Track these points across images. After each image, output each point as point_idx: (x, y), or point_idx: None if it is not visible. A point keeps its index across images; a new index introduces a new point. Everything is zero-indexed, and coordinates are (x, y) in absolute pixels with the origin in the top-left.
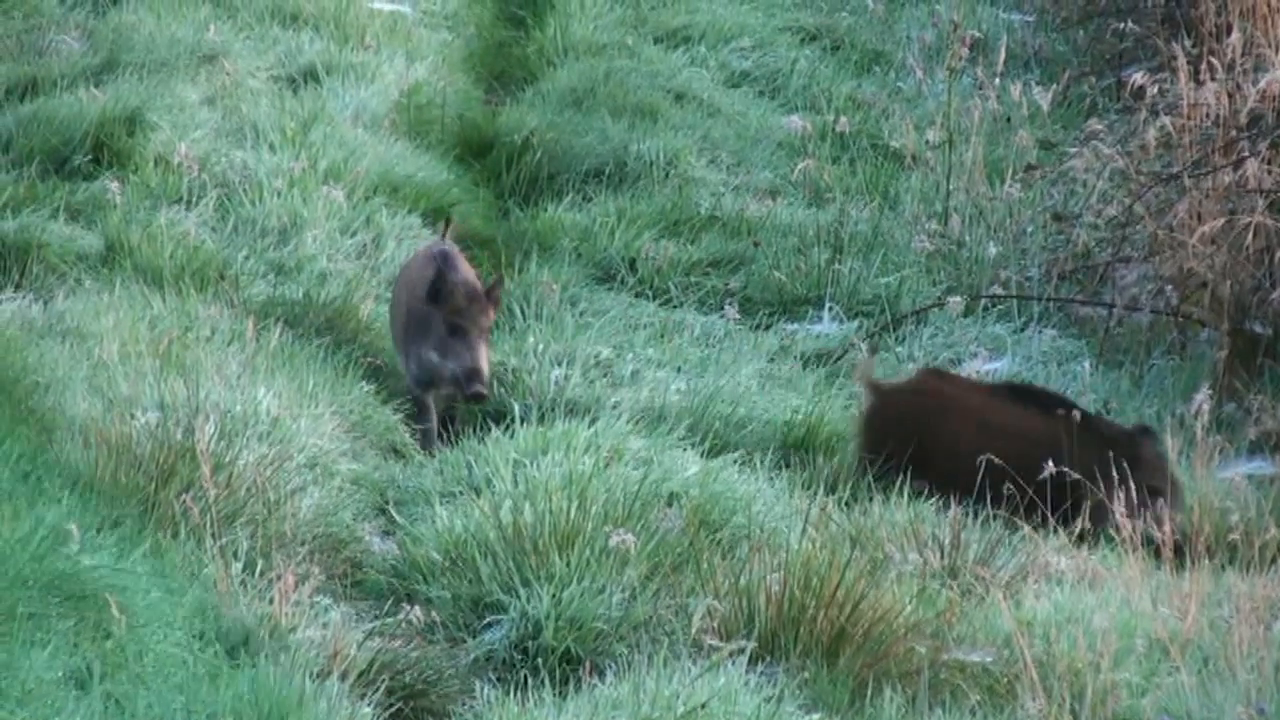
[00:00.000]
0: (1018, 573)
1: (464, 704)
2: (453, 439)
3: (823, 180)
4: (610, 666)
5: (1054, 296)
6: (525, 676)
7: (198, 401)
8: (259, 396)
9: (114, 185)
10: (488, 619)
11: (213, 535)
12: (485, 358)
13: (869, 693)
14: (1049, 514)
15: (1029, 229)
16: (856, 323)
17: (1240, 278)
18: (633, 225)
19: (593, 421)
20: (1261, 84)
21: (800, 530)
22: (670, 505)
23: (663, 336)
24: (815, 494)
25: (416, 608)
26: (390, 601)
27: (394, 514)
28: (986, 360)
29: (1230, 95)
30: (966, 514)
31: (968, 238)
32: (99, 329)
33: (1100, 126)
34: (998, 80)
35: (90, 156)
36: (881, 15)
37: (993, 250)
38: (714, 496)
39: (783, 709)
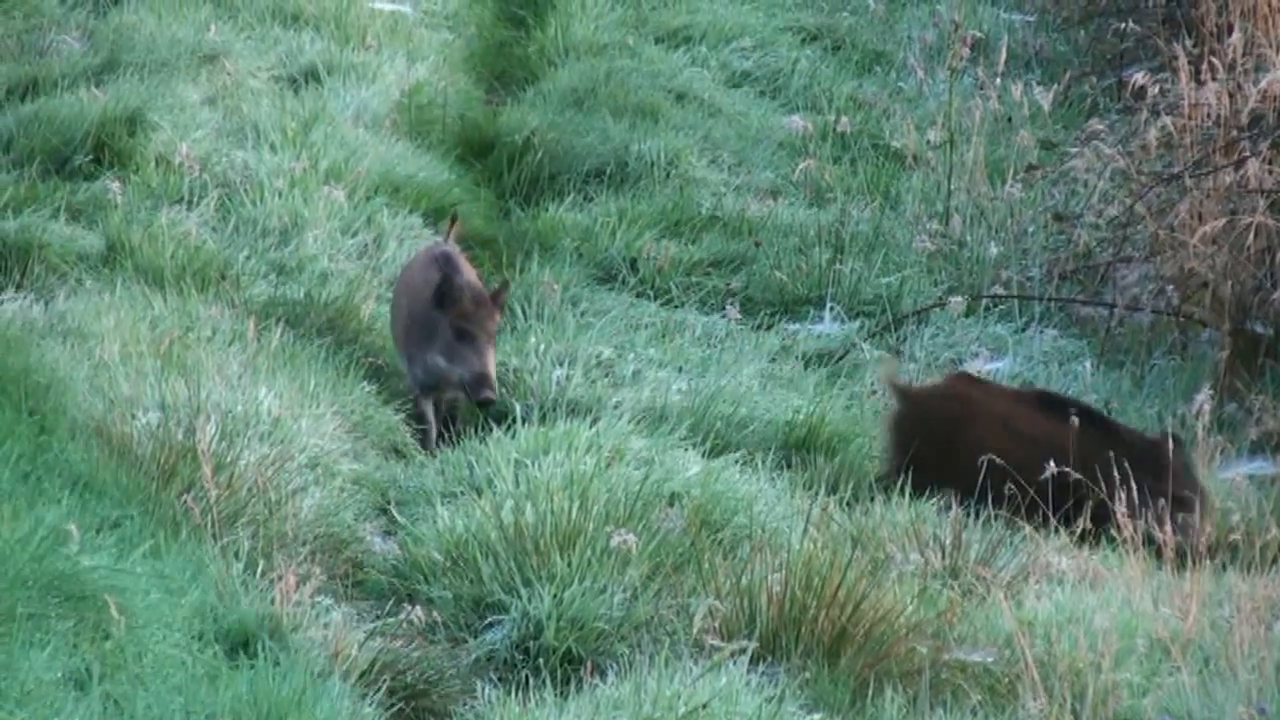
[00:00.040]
0: (1019, 573)
1: (465, 704)
2: (454, 439)
3: (824, 180)
4: (612, 666)
5: (1055, 296)
6: (526, 676)
7: (199, 402)
8: (260, 396)
9: (115, 185)
10: (489, 619)
11: (214, 535)
12: (493, 363)
13: (870, 693)
14: (1081, 523)
15: (1030, 229)
16: (858, 323)
17: (1241, 278)
18: (634, 225)
19: (594, 422)
20: (1262, 84)
21: (802, 530)
22: (672, 505)
23: (664, 336)
24: (816, 494)
25: (418, 608)
26: (391, 601)
27: (395, 514)
28: (987, 360)
29: (1231, 95)
30: (968, 514)
31: (969, 238)
32: (100, 329)
33: (1101, 126)
34: (999, 80)
35: (91, 156)
36: (882, 15)
37: (994, 250)
38: (715, 496)
39: (784, 709)
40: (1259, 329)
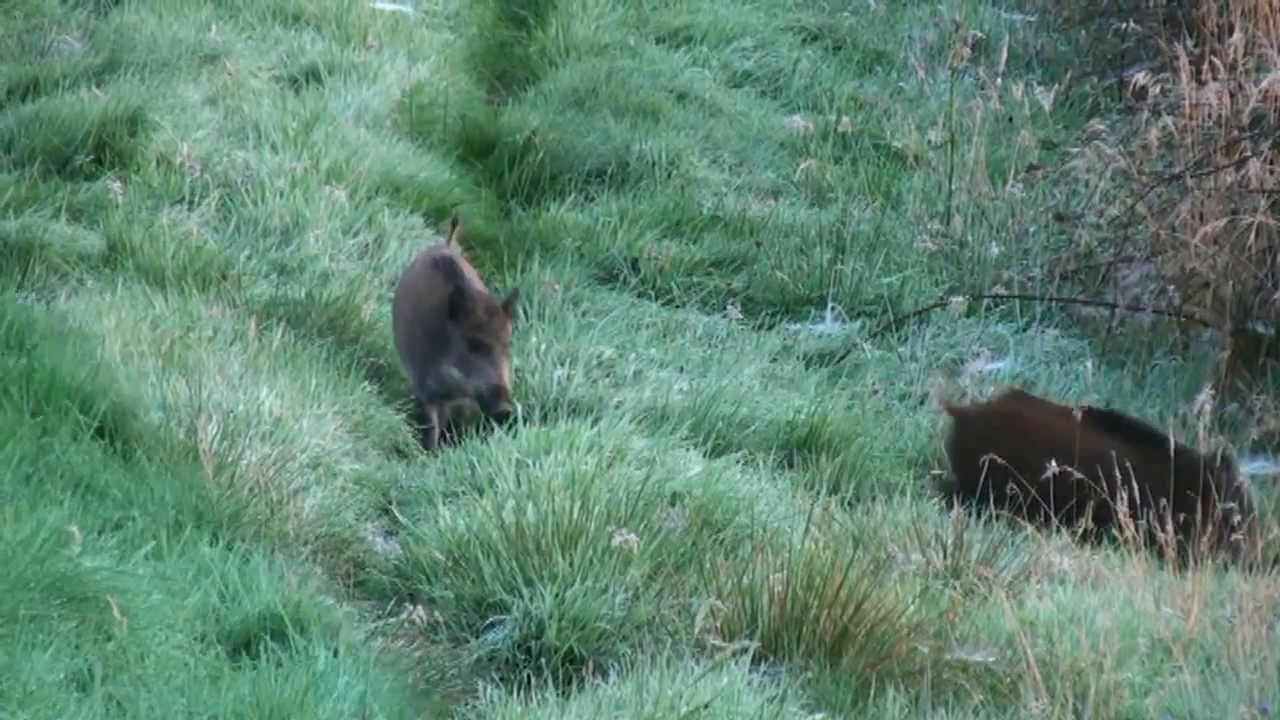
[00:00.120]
0: (1020, 573)
1: (467, 704)
2: (455, 439)
3: (825, 180)
4: (613, 666)
5: (1056, 296)
6: (528, 676)
7: (200, 402)
8: (261, 396)
9: (116, 185)
10: (490, 619)
11: (215, 536)
12: (509, 373)
13: (872, 693)
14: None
15: (1031, 229)
16: (859, 323)
17: (1242, 278)
18: (635, 225)
19: (595, 421)
20: (1264, 84)
21: (803, 530)
22: (673, 505)
23: (665, 336)
24: (818, 494)
25: (419, 608)
26: (393, 601)
27: (397, 514)
28: (989, 360)
29: (1232, 95)
30: (969, 514)
31: (970, 238)
32: (101, 329)
33: (1102, 126)
34: (1000, 80)
35: (92, 156)
36: (883, 15)
37: (995, 250)
38: (717, 496)
39: (786, 709)
40: (1260, 329)
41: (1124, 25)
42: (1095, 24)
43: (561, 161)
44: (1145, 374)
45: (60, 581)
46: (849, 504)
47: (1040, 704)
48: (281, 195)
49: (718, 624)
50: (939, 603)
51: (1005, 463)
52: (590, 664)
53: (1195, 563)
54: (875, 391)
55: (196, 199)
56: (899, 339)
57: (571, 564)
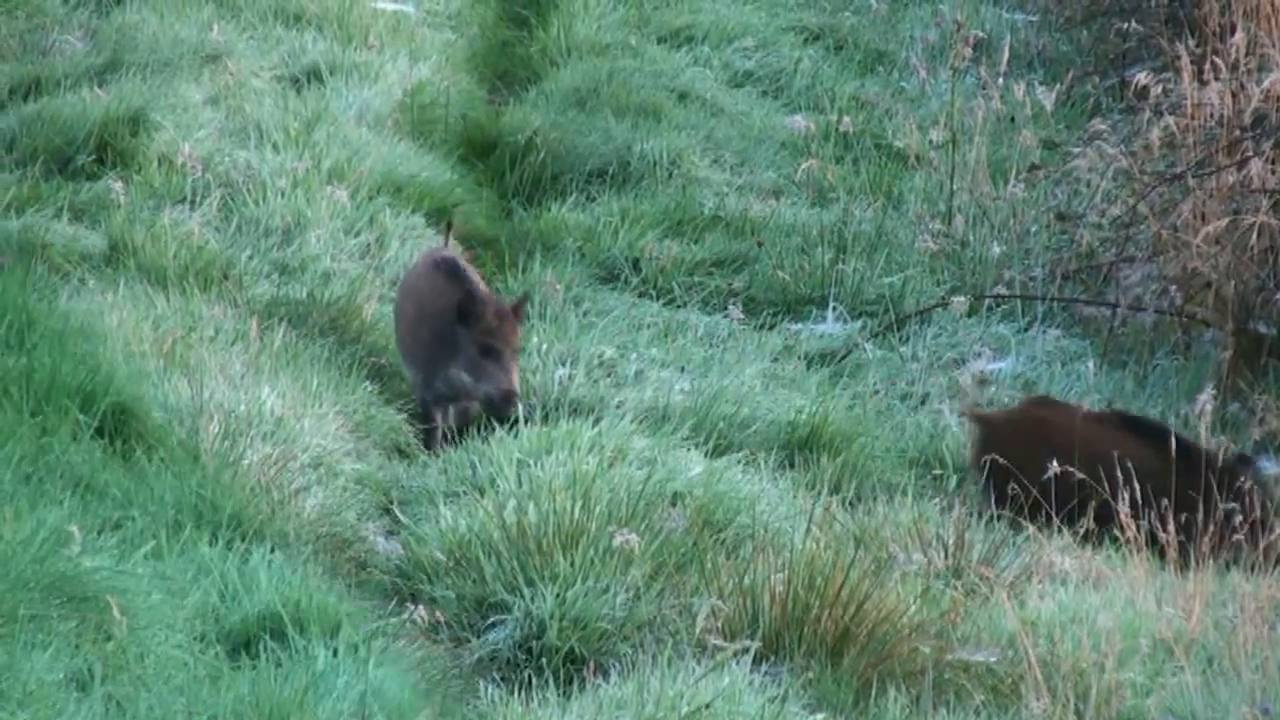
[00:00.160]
0: (1022, 573)
1: (468, 704)
2: (457, 439)
3: (826, 180)
4: (614, 666)
5: (1058, 296)
6: (529, 676)
7: (201, 401)
8: (263, 396)
9: (118, 185)
10: (492, 619)
11: (215, 535)
12: (518, 378)
13: (873, 693)
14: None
15: (1033, 229)
16: (860, 322)
17: (1244, 278)
18: (636, 225)
19: (597, 421)
20: (1265, 84)
21: (804, 530)
22: (674, 505)
23: (666, 336)
24: (819, 494)
25: (421, 607)
26: (394, 601)
27: (398, 514)
28: (990, 360)
29: (1234, 95)
30: (970, 514)
31: (971, 237)
32: (102, 329)
33: (1104, 126)
34: (1001, 80)
35: (94, 156)
36: (885, 15)
37: (996, 250)
38: (718, 496)
39: (787, 709)
40: (1262, 329)
41: (1126, 25)
42: (1097, 24)
43: (563, 161)
44: (1147, 374)
45: (60, 581)
46: (850, 504)
47: (1042, 704)
48: (283, 195)
49: (719, 624)
50: (940, 603)
51: (1031, 469)
52: (591, 664)
53: (1197, 563)
54: (877, 391)
55: (198, 199)
56: (900, 339)
57: (573, 564)
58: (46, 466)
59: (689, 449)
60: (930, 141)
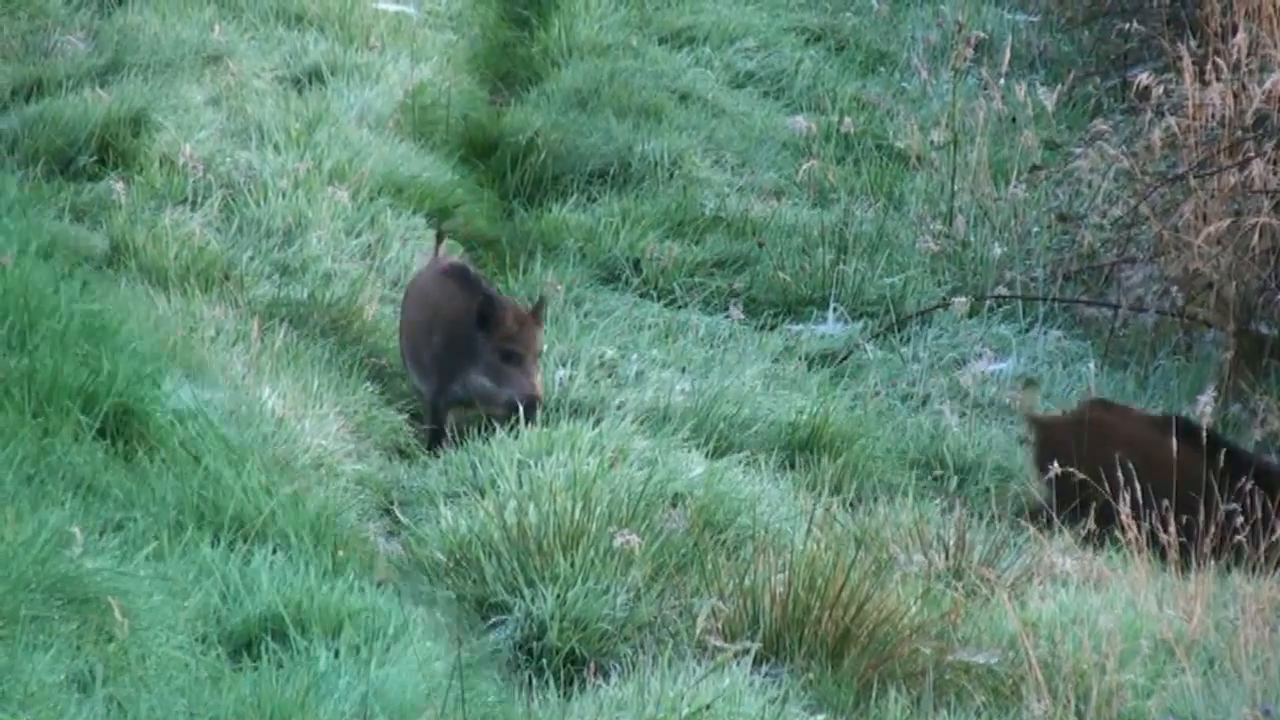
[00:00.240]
0: (1023, 574)
1: (469, 705)
2: (457, 440)
3: (827, 181)
4: (615, 667)
5: (1059, 297)
6: (530, 677)
7: (202, 402)
8: (264, 397)
9: (119, 186)
10: (492, 619)
11: (217, 536)
12: (541, 382)
13: (874, 694)
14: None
15: (1034, 229)
16: (861, 323)
17: (1246, 278)
18: (637, 226)
19: (597, 422)
20: (1267, 84)
21: (805, 531)
22: (675, 506)
23: (667, 337)
24: (820, 495)
25: (421, 608)
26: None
27: (399, 514)
28: (991, 361)
29: (1236, 96)
30: (971, 515)
31: (973, 238)
32: (104, 330)
33: (1105, 127)
34: (1002, 81)
35: (95, 157)
36: (886, 16)
37: (998, 251)
38: (719, 497)
39: (787, 710)
40: (1264, 330)
41: (1127, 26)
42: (1098, 24)
43: (564, 162)
44: (1148, 375)
45: (61, 582)
46: (851, 505)
47: (1042, 705)
48: (284, 196)
49: (719, 625)
50: (941, 604)
51: (1090, 472)
52: (592, 665)
53: (1198, 564)
54: (877, 392)
55: (199, 199)
56: (901, 340)
57: (573, 565)
58: (48, 467)
59: (690, 450)
60: (931, 142)
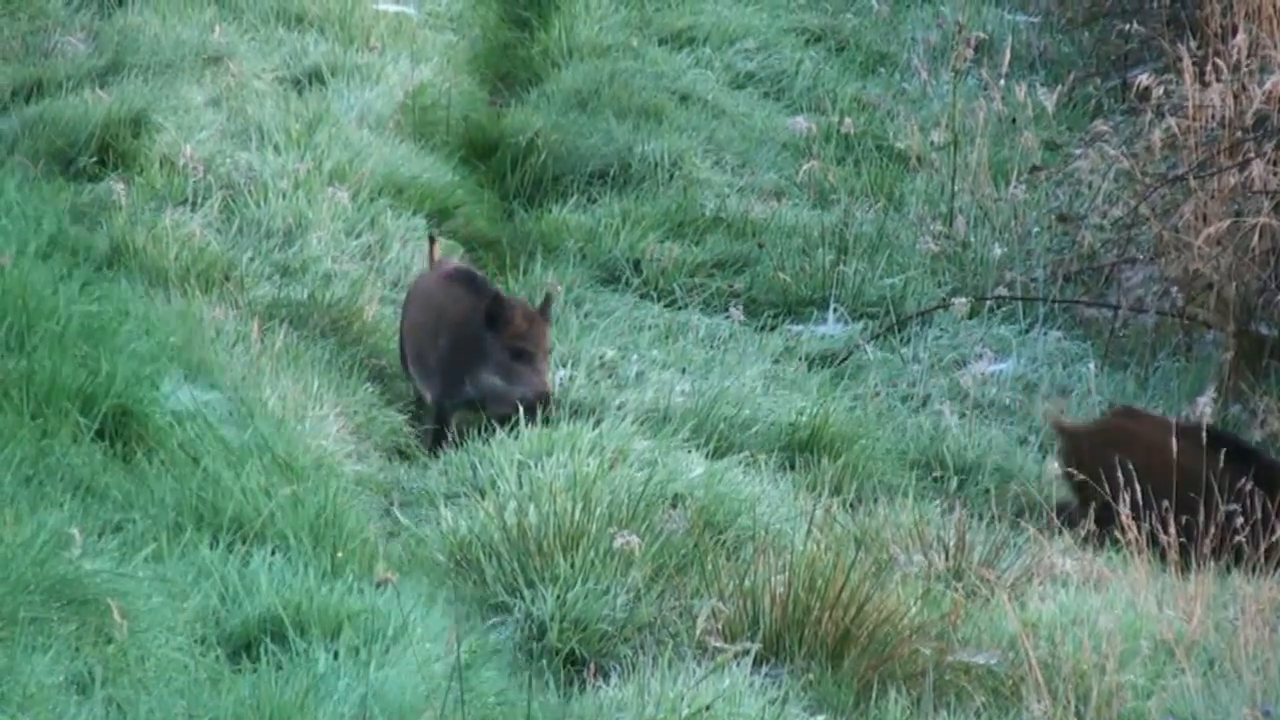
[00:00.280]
0: (1023, 574)
1: (469, 706)
2: (456, 441)
3: (827, 181)
4: (615, 668)
5: (1059, 298)
6: (529, 678)
7: (202, 403)
8: (263, 398)
9: (119, 186)
10: (492, 620)
11: (216, 538)
12: (550, 379)
13: (874, 694)
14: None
15: (1034, 230)
16: (861, 324)
17: (1246, 279)
18: (637, 226)
19: (597, 423)
20: (1267, 85)
21: (805, 532)
22: (675, 507)
23: (667, 338)
24: (820, 495)
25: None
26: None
27: (399, 515)
28: (991, 362)
29: (1236, 96)
30: (971, 515)
31: (973, 239)
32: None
33: (1105, 128)
34: (1003, 81)
35: (95, 158)
36: (886, 16)
37: (998, 251)
38: (719, 498)
39: (787, 710)
40: (1264, 330)
41: (1127, 26)
42: (1098, 25)
43: (564, 163)
44: (1148, 376)
45: (60, 584)
46: (851, 505)
47: (1042, 706)
48: (284, 196)
49: (719, 626)
50: (941, 604)
51: (1118, 479)
52: (592, 665)
53: (1198, 564)
54: (877, 393)
55: (199, 200)
56: (901, 340)
57: (573, 565)
58: (47, 469)
59: (690, 450)
60: (932, 143)
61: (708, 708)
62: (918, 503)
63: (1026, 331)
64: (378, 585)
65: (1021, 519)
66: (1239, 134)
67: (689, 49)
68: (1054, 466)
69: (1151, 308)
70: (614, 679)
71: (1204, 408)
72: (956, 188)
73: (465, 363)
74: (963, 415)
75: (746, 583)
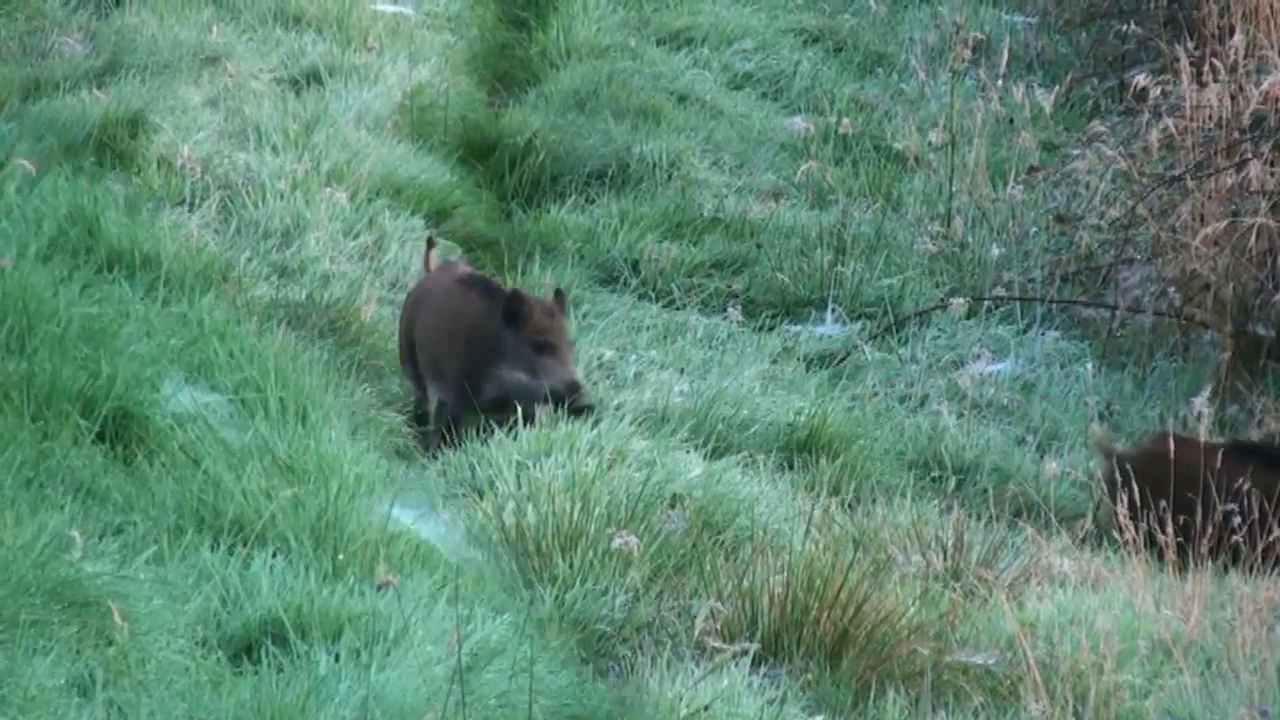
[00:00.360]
0: (1020, 574)
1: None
2: (456, 441)
3: (825, 182)
4: (613, 668)
5: (1057, 298)
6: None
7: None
8: (264, 399)
9: (117, 187)
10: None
11: (217, 540)
12: (576, 369)
13: (872, 694)
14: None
15: (1032, 231)
16: (859, 324)
17: (1243, 279)
18: (636, 227)
19: (596, 423)
20: (1264, 86)
21: (803, 532)
22: (673, 507)
23: (666, 338)
24: (818, 496)
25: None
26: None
27: (399, 516)
28: (989, 362)
29: (1233, 97)
30: (969, 515)
31: (970, 239)
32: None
33: (1103, 128)
34: (1000, 82)
35: (93, 158)
36: (884, 17)
37: (995, 252)
38: (717, 498)
39: (786, 711)
40: (1261, 331)
41: (1125, 27)
42: (1096, 26)
43: (562, 163)
44: (1146, 376)
45: (61, 586)
46: (849, 506)
47: (1040, 706)
48: (282, 197)
49: (718, 626)
50: (939, 604)
51: (1154, 503)
52: (591, 666)
53: (1195, 565)
54: (876, 393)
55: (197, 201)
56: (899, 341)
57: (571, 566)
58: (47, 471)
59: (688, 451)
60: (929, 143)
61: (706, 708)
62: (916, 503)
63: (1024, 332)
64: (379, 587)
65: (1019, 519)
66: (1236, 134)
67: (687, 49)
68: (1100, 489)
69: (1149, 308)
70: (612, 679)
71: (1200, 408)
72: (954, 188)
73: (486, 364)
74: (961, 415)
75: (745, 583)
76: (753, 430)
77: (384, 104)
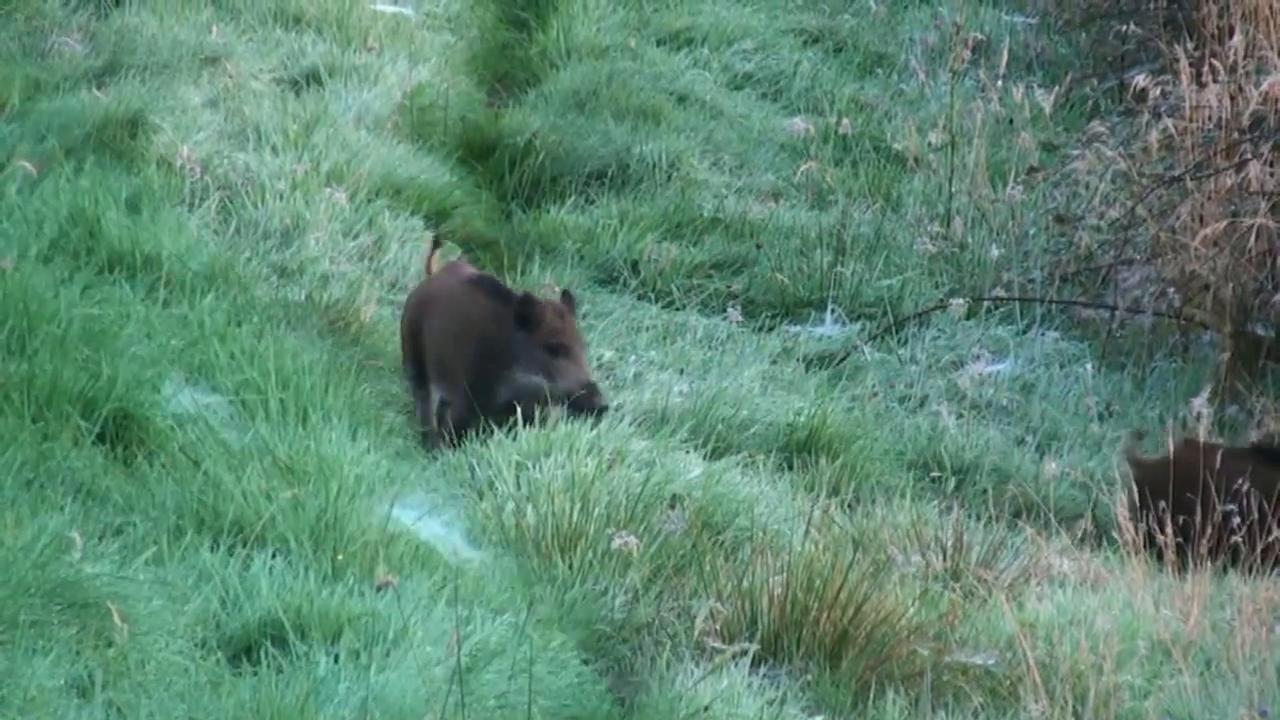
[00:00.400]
0: (1020, 575)
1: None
2: (455, 441)
3: (825, 182)
4: (613, 669)
5: (1056, 299)
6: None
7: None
8: (263, 400)
9: (117, 188)
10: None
11: (216, 541)
12: (589, 370)
13: (872, 695)
14: None
15: (1031, 231)
16: (859, 325)
17: (1242, 280)
18: (635, 227)
19: (596, 423)
20: (1264, 86)
21: (803, 532)
22: (673, 507)
23: (665, 339)
24: (818, 496)
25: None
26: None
27: (398, 517)
28: (989, 363)
29: (1232, 97)
30: (969, 516)
31: (970, 240)
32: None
33: (1102, 129)
34: (1000, 82)
35: (93, 159)
36: (884, 17)
37: (995, 252)
38: (717, 498)
39: (785, 711)
40: (1260, 331)
41: (1124, 28)
42: (1096, 26)
43: (562, 163)
44: (1145, 376)
45: (61, 587)
46: (849, 506)
47: (1040, 706)
48: (282, 197)
49: (717, 626)
50: (939, 605)
51: (1180, 511)
52: (591, 666)
53: (1195, 565)
54: (875, 394)
55: (197, 201)
56: (899, 341)
57: (571, 566)
58: (48, 472)
59: (688, 451)
60: (929, 144)
61: (706, 708)
62: (915, 503)
63: (1024, 332)
64: (378, 588)
65: (1019, 519)
66: (1236, 135)
67: (687, 50)
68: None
69: (1148, 308)
70: (612, 680)
71: (1199, 408)
72: (954, 189)
73: (497, 367)
74: (960, 416)
75: (745, 583)
76: (752, 431)
77: (384, 104)
